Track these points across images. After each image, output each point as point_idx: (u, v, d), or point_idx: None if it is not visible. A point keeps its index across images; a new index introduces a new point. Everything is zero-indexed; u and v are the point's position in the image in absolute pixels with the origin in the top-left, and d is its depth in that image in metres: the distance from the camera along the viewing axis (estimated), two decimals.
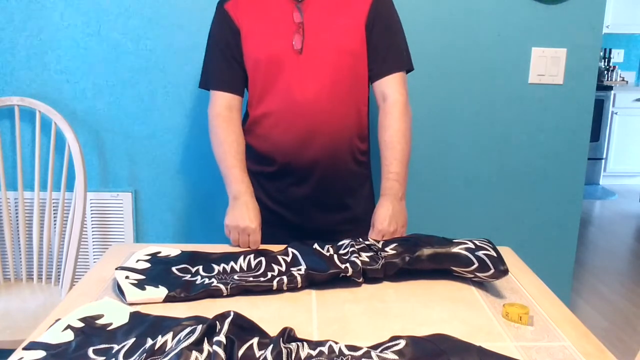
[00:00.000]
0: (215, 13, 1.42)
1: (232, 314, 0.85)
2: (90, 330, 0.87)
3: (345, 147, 1.38)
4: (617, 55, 5.47)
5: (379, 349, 0.83)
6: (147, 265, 1.12)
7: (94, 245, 1.97)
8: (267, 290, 1.04)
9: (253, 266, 1.13)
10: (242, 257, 1.16)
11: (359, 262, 1.08)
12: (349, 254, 1.11)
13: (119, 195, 1.94)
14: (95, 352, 0.82)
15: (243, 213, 1.28)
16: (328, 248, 1.15)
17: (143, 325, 0.89)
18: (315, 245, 1.16)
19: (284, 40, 1.33)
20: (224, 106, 1.40)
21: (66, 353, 0.82)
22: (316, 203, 1.41)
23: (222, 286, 1.03)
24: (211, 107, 1.41)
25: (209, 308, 0.97)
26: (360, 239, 1.19)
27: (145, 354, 0.78)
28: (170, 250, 1.20)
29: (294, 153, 1.35)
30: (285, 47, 1.32)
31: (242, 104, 1.43)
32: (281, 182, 1.41)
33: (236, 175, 1.34)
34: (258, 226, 1.28)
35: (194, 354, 0.74)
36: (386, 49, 1.39)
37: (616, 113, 5.12)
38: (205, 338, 0.79)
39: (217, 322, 0.83)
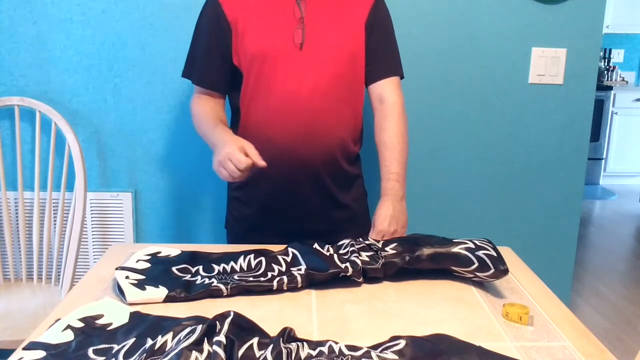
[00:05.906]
0: (206, 3, 1.38)
1: (232, 314, 0.85)
2: (90, 330, 0.87)
3: (340, 147, 1.36)
4: (617, 55, 5.48)
5: (379, 349, 0.83)
6: (147, 265, 1.11)
7: (94, 245, 1.97)
8: (267, 290, 1.04)
9: (253, 266, 1.12)
10: (242, 257, 1.16)
11: (359, 262, 1.08)
12: (349, 254, 1.11)
13: (119, 195, 1.94)
14: (95, 352, 0.82)
15: (233, 140, 1.22)
16: (328, 248, 1.15)
17: (143, 325, 0.89)
18: (315, 245, 1.16)
19: (284, 34, 1.31)
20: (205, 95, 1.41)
21: (66, 353, 0.82)
22: (313, 205, 1.39)
23: (222, 286, 1.03)
24: (194, 97, 1.42)
25: (209, 308, 0.97)
26: (360, 239, 1.19)
27: (145, 354, 0.78)
28: (170, 250, 1.20)
29: (290, 152, 1.32)
30: (285, 42, 1.31)
31: (225, 102, 1.44)
32: (276, 187, 1.37)
33: (220, 131, 1.29)
34: (251, 145, 1.20)
35: (194, 354, 0.74)
36: (384, 51, 1.39)
37: (616, 113, 5.12)
38: (205, 338, 0.79)
39: (217, 322, 0.83)
